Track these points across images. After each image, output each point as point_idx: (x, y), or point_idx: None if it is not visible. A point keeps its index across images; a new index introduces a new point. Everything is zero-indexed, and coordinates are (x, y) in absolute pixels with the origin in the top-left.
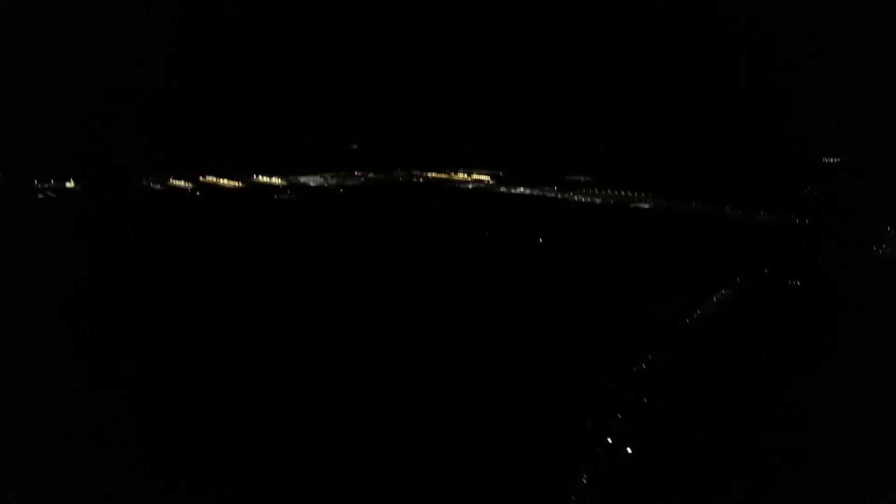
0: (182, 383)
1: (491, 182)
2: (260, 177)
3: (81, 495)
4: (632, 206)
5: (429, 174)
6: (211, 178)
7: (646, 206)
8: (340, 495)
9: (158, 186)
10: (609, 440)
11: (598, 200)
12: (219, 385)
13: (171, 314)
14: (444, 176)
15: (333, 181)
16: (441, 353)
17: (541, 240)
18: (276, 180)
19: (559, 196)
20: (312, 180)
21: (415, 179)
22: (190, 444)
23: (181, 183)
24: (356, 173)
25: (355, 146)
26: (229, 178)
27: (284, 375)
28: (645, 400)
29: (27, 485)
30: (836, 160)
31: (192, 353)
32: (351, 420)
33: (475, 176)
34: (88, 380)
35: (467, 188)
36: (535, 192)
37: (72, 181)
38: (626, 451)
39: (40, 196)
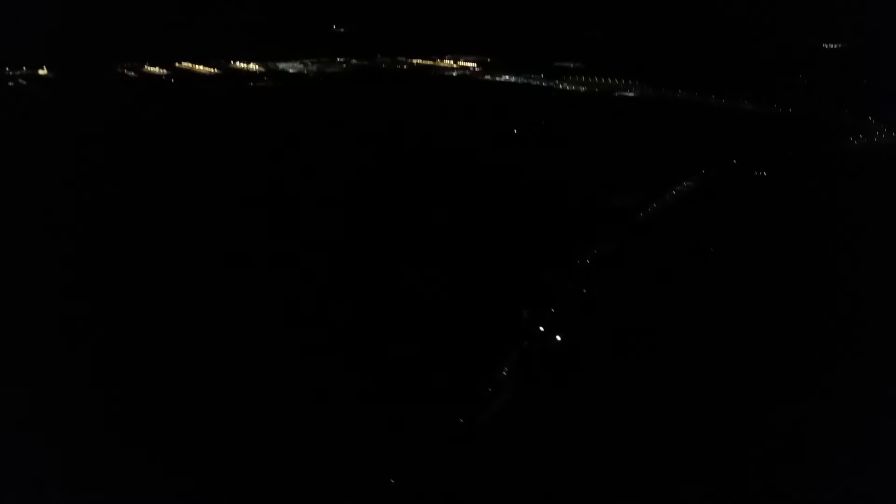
0: (156, 269)
1: (477, 69)
2: (237, 63)
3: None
4: (616, 94)
5: (413, 61)
6: (187, 64)
7: (630, 94)
8: None
9: (133, 73)
10: (541, 328)
11: (582, 89)
12: (192, 274)
13: (146, 203)
14: (429, 63)
15: (314, 68)
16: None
17: (515, 131)
18: (253, 66)
19: (544, 84)
20: (292, 67)
21: (398, 66)
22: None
23: (156, 69)
24: (338, 59)
25: (343, 29)
26: (205, 64)
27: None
28: (584, 291)
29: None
30: (835, 46)
31: (165, 235)
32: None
33: (461, 63)
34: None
35: (452, 76)
36: (521, 80)
37: (45, 68)
38: (556, 340)
39: (11, 84)
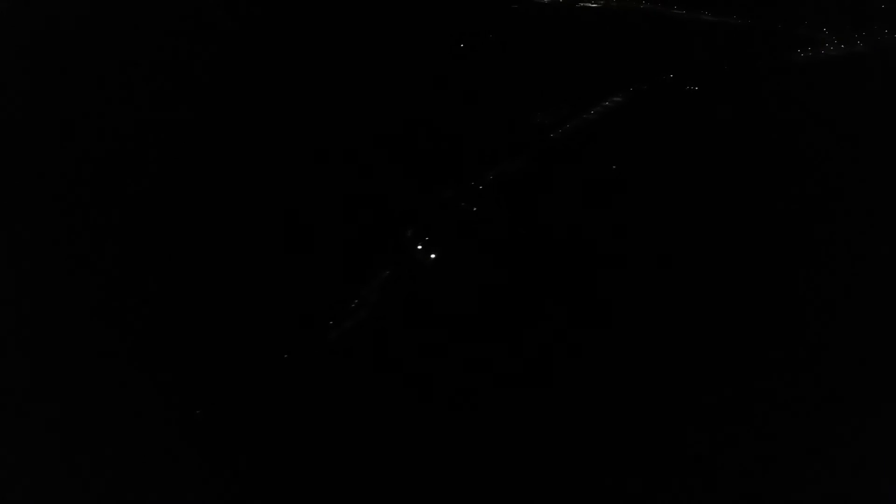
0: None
1: None
2: None
3: None
4: (579, 4)
5: None
6: None
7: (593, 4)
8: None
9: None
10: (420, 246)
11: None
12: None
13: None
14: None
15: None
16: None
17: (462, 45)
18: None
19: None
20: None
21: None
22: None
23: None
24: None
25: None
26: None
27: None
28: (475, 209)
29: None
30: None
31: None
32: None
33: None
34: None
35: None
36: None
37: None
38: (430, 258)
39: None
